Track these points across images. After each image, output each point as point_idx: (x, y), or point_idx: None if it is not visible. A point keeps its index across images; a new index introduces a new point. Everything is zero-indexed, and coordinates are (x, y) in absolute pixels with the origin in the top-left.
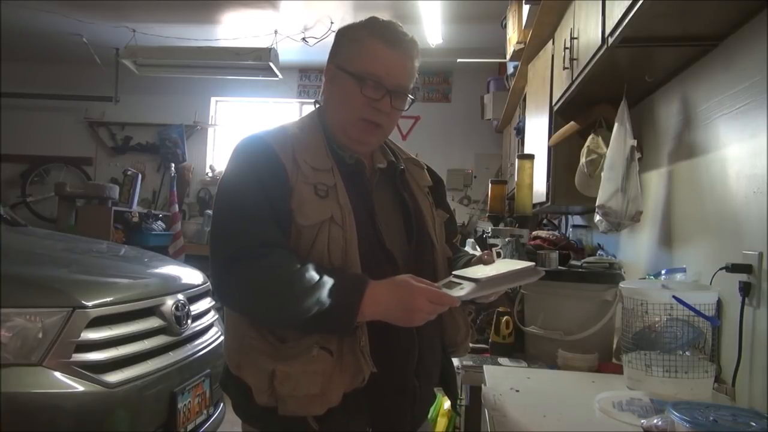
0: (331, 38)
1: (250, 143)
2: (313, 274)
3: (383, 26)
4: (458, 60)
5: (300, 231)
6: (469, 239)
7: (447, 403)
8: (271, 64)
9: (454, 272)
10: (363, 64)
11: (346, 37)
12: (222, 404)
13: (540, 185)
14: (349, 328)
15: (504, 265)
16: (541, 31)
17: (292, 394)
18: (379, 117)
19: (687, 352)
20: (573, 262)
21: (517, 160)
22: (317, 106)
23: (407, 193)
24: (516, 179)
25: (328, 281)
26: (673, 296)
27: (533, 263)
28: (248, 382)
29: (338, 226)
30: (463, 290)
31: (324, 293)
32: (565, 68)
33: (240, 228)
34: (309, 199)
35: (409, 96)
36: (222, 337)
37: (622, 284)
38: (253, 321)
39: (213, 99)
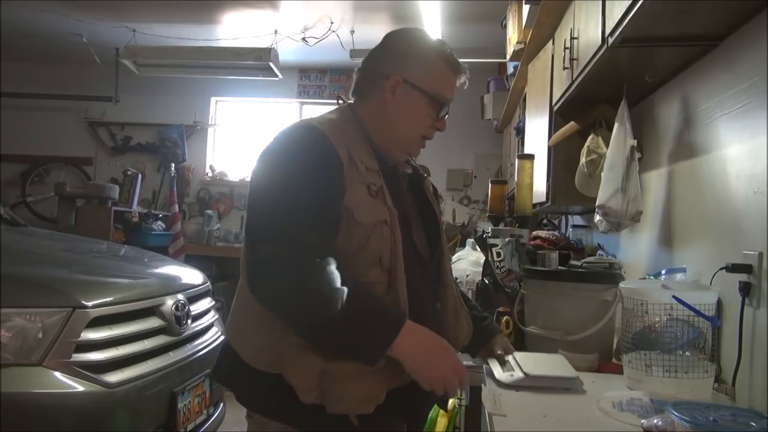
0: (332, 38)
1: (306, 132)
2: (358, 304)
3: (449, 52)
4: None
5: (353, 229)
6: (469, 239)
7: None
8: (271, 64)
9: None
10: (437, 87)
11: (414, 52)
12: (222, 404)
13: (540, 185)
14: (377, 358)
15: (549, 364)
16: (541, 31)
17: (346, 393)
18: (432, 134)
19: (687, 352)
20: (573, 262)
21: (517, 160)
22: (341, 102)
23: (426, 199)
24: (516, 179)
25: (376, 307)
26: (673, 296)
27: (577, 376)
28: (291, 381)
29: (389, 227)
30: (512, 377)
31: (368, 318)
32: (565, 68)
33: (295, 223)
34: (364, 198)
35: None
36: (222, 337)
37: (622, 284)
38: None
39: (213, 99)
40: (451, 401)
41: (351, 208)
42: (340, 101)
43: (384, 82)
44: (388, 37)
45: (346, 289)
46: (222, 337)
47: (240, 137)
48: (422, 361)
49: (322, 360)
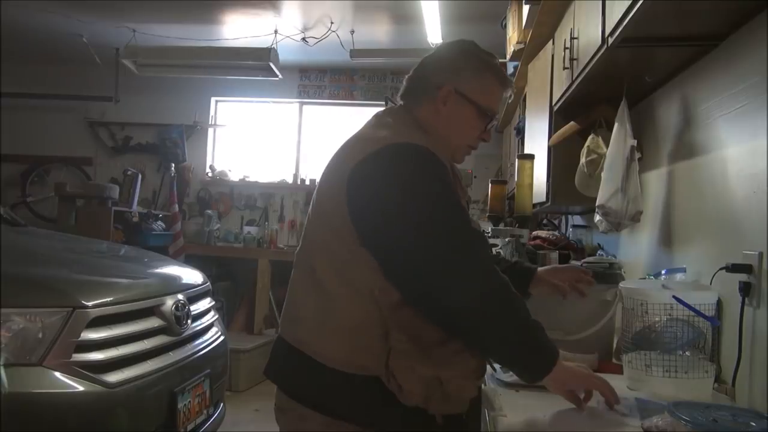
0: (332, 38)
1: (421, 152)
2: (534, 320)
3: (499, 66)
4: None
5: None
6: None
7: None
8: (271, 64)
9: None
10: (487, 100)
11: (470, 64)
12: (222, 404)
13: (540, 185)
14: (535, 381)
15: None
16: (541, 31)
17: (453, 396)
18: (478, 144)
19: (687, 353)
20: (573, 262)
21: (517, 160)
22: (390, 104)
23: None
24: (516, 179)
25: (543, 343)
26: (674, 296)
27: None
28: (400, 385)
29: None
30: (512, 377)
31: (532, 351)
32: (565, 68)
33: (463, 240)
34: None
35: None
36: (222, 337)
37: (622, 284)
38: (453, 331)
39: (213, 99)
40: None
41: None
42: (390, 103)
43: (437, 92)
44: (441, 48)
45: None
46: (222, 337)
47: (240, 137)
48: (566, 384)
49: (428, 365)
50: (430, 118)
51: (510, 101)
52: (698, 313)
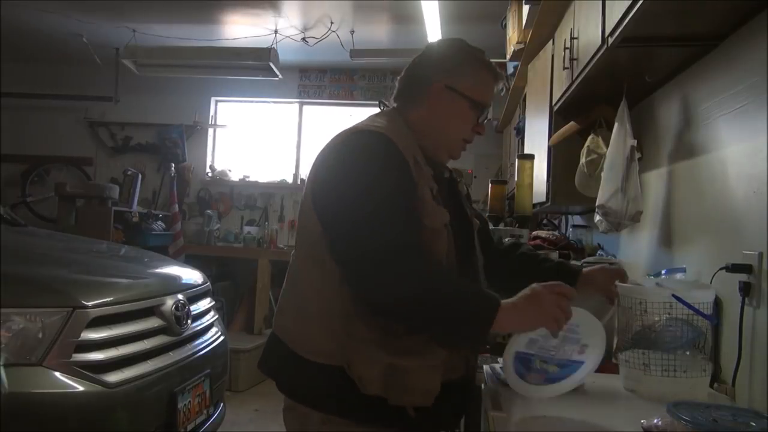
0: (332, 38)
1: (371, 137)
2: (461, 283)
3: (488, 59)
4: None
5: (421, 232)
6: None
7: None
8: (271, 64)
9: None
10: (478, 93)
11: (460, 60)
12: (222, 404)
13: (540, 185)
14: (476, 344)
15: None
16: (541, 31)
17: (412, 387)
18: (473, 137)
19: (687, 352)
20: (573, 262)
21: (517, 160)
22: (384, 107)
23: (463, 202)
24: (516, 179)
25: (474, 296)
26: (673, 295)
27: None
28: (358, 374)
29: (447, 231)
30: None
31: (465, 308)
32: (565, 68)
33: (392, 219)
34: (429, 201)
35: None
36: (222, 337)
37: (618, 283)
38: (392, 317)
39: (213, 99)
40: None
41: (420, 212)
42: (383, 106)
43: (429, 90)
44: (431, 46)
45: (443, 271)
46: (222, 337)
47: (240, 137)
48: (526, 321)
49: (387, 354)
50: (424, 117)
51: (502, 94)
52: (697, 311)
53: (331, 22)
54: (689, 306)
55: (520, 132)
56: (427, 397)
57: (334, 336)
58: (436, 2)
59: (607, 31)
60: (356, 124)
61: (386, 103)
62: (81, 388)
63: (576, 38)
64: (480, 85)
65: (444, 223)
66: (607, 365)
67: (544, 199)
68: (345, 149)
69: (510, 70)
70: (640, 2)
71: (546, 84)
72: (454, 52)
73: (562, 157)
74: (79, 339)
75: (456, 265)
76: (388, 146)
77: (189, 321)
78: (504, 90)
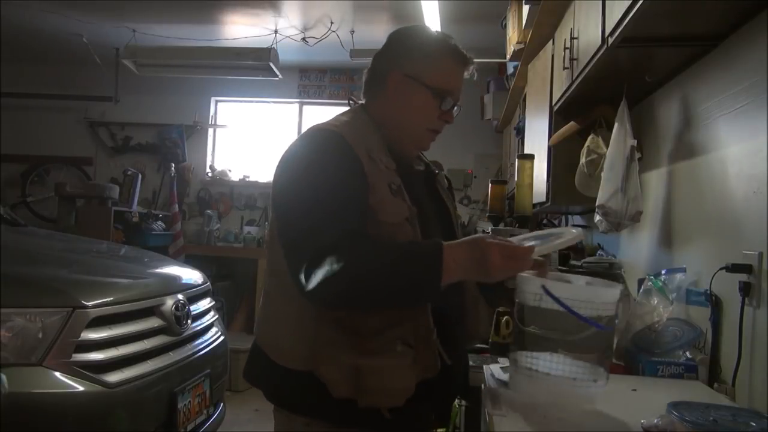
0: (332, 38)
1: (324, 135)
2: (395, 244)
3: (448, 40)
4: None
5: (379, 228)
6: None
7: None
8: (271, 64)
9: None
10: (441, 80)
11: (414, 46)
12: (222, 404)
13: (540, 185)
14: (437, 290)
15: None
16: (541, 31)
17: (379, 388)
18: (440, 126)
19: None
20: (573, 262)
21: (517, 160)
22: (352, 104)
23: (440, 195)
24: (516, 179)
25: (412, 248)
26: (542, 286)
27: (576, 232)
28: (324, 377)
29: (410, 226)
30: (531, 243)
31: (410, 258)
32: (565, 68)
33: (327, 219)
34: (386, 196)
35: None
36: (222, 337)
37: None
38: (348, 306)
39: (213, 99)
40: None
41: (375, 208)
42: (352, 102)
43: (387, 80)
44: (390, 36)
45: (376, 244)
46: (222, 337)
47: (240, 137)
48: (475, 271)
49: (354, 356)
50: (386, 109)
51: (475, 78)
52: (564, 306)
53: (331, 22)
54: (556, 299)
55: (520, 132)
56: (397, 398)
57: (304, 341)
58: (436, 2)
59: (607, 31)
60: (316, 123)
61: (355, 99)
62: (81, 388)
63: (576, 38)
64: (441, 71)
65: (405, 217)
66: (610, 366)
67: (544, 199)
68: (296, 150)
69: (510, 70)
70: (640, 2)
71: (546, 84)
72: (412, 40)
73: (562, 157)
74: (79, 339)
75: None
76: (338, 144)
77: (189, 321)
78: (475, 74)
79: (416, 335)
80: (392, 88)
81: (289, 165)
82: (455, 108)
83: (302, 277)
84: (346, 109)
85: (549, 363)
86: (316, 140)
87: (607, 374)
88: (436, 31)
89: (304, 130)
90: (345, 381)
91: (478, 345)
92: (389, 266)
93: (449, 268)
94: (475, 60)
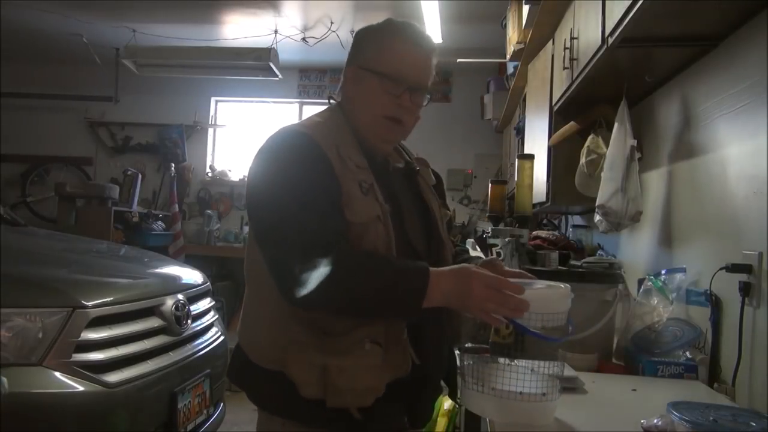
0: (332, 38)
1: (293, 136)
2: (386, 260)
3: (403, 25)
4: (458, 60)
5: (348, 228)
6: (469, 239)
7: (447, 403)
8: (271, 64)
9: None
10: (386, 62)
11: (366, 38)
12: (222, 404)
13: (540, 185)
14: (417, 312)
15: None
16: (541, 31)
17: (347, 388)
18: (401, 113)
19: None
20: (573, 262)
21: (517, 160)
22: (332, 102)
23: (421, 193)
24: (516, 179)
25: (400, 266)
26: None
27: (576, 376)
28: (294, 377)
29: (381, 223)
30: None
31: (397, 278)
32: (565, 68)
33: (307, 218)
34: (356, 195)
35: (426, 95)
36: (222, 337)
37: None
38: (328, 310)
39: (213, 99)
40: (449, 402)
41: (344, 206)
42: (332, 101)
43: (346, 75)
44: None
45: (365, 255)
46: (222, 337)
47: (240, 137)
48: (458, 300)
49: (322, 355)
50: (348, 104)
51: (434, 62)
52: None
53: (331, 22)
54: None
55: (520, 132)
56: (365, 398)
57: (276, 341)
58: (436, 2)
59: (607, 31)
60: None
61: (335, 98)
62: (81, 388)
63: (576, 38)
64: (391, 56)
65: (376, 216)
66: (607, 365)
67: (544, 199)
68: (263, 152)
69: (510, 70)
70: (640, 2)
71: (546, 84)
72: (368, 33)
73: (562, 157)
74: (79, 339)
75: (407, 256)
76: (308, 146)
77: (189, 321)
78: (432, 55)
79: (386, 334)
80: (349, 83)
81: (261, 169)
82: (425, 97)
83: (291, 279)
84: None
85: (498, 377)
86: (286, 142)
87: (559, 388)
88: (392, 20)
89: None
90: (314, 381)
91: (477, 345)
92: (377, 281)
93: (432, 297)
94: (475, 60)
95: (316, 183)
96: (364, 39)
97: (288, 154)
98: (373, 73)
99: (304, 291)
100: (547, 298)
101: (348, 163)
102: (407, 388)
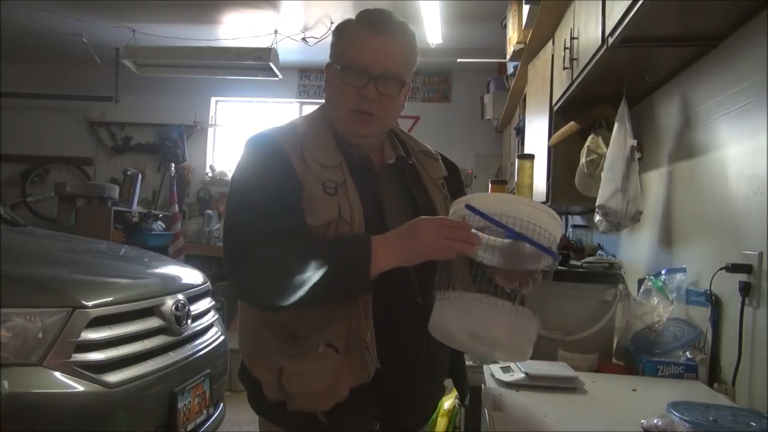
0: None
1: (258, 140)
2: (320, 241)
3: (370, 14)
4: (458, 60)
5: (309, 230)
6: None
7: (447, 403)
8: (271, 64)
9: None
10: (348, 54)
11: (336, 33)
12: (222, 404)
13: (540, 185)
14: (367, 283)
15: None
16: (541, 31)
17: (300, 391)
18: (368, 105)
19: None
20: (573, 262)
21: (517, 160)
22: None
23: (418, 188)
24: (516, 179)
25: (336, 242)
26: (466, 205)
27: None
28: (259, 378)
29: (346, 223)
30: (512, 377)
31: (334, 253)
32: (565, 68)
33: (252, 219)
34: (318, 197)
35: (407, 81)
36: (222, 337)
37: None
38: (275, 307)
39: (213, 99)
40: (449, 402)
41: (304, 208)
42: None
43: (324, 73)
44: None
45: (300, 242)
46: (222, 337)
47: (240, 137)
48: (409, 253)
49: (282, 358)
50: (326, 102)
51: (389, 48)
52: (492, 220)
53: (332, 22)
54: (488, 218)
55: (520, 132)
56: (323, 402)
57: (251, 343)
58: (436, 2)
59: (607, 31)
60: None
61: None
62: (81, 388)
63: (576, 38)
64: (350, 46)
65: (337, 216)
66: (607, 365)
67: (544, 199)
68: (239, 159)
69: (510, 70)
70: (640, 2)
71: (546, 84)
72: (338, 27)
73: (562, 157)
74: (79, 339)
75: None
76: (269, 149)
77: (189, 321)
78: (404, 42)
79: (347, 338)
80: (325, 80)
81: (233, 174)
82: (396, 86)
83: (237, 281)
84: None
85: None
86: (249, 147)
87: (538, 323)
88: (364, 9)
89: None
90: (276, 384)
91: None
92: (316, 260)
93: (380, 261)
94: (475, 60)
95: (268, 186)
96: (335, 34)
97: (250, 158)
98: (339, 66)
99: (245, 284)
100: (542, 218)
101: (311, 165)
102: (380, 393)
